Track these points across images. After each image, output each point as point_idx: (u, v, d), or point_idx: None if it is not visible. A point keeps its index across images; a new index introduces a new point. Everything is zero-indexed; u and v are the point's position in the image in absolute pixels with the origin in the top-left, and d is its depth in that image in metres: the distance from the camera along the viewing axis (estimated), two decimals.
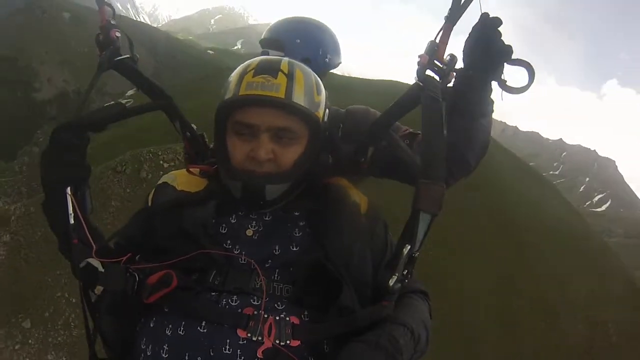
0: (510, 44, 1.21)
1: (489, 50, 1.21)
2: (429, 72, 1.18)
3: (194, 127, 1.46)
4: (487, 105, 1.32)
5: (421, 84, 1.17)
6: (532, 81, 1.19)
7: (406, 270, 1.03)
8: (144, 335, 1.03)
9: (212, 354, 0.94)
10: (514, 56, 1.22)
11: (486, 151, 1.43)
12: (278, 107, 1.10)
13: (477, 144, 1.39)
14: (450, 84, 1.22)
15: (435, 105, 1.11)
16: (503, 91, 1.24)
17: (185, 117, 1.44)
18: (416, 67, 1.19)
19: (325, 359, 0.99)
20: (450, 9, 1.16)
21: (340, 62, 1.84)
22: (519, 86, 1.21)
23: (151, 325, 1.02)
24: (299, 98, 1.12)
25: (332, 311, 1.01)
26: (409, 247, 1.01)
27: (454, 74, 1.21)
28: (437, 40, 1.18)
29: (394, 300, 1.05)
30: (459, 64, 1.22)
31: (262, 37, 1.80)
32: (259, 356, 0.93)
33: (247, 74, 1.13)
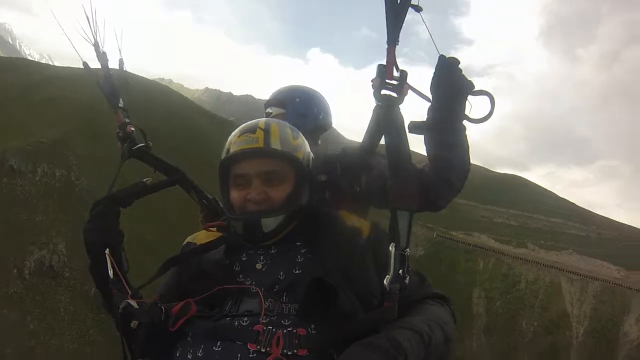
0: (472, 80, 1.34)
1: (452, 87, 1.34)
2: (384, 92, 1.26)
3: (209, 196, 1.69)
4: (459, 133, 1.42)
5: (379, 103, 1.28)
6: (493, 110, 1.31)
7: (401, 270, 1.09)
8: None
9: None
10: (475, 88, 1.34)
11: (469, 170, 1.53)
12: (260, 155, 1.29)
13: (456, 166, 1.49)
14: (407, 96, 1.28)
15: (391, 114, 1.24)
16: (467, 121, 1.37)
17: (199, 187, 1.67)
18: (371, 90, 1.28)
19: None
20: (387, 32, 1.26)
21: (331, 125, 2.10)
22: (481, 116, 1.33)
23: (177, 355, 1.16)
24: (276, 144, 1.30)
25: (332, 315, 1.07)
26: (394, 245, 1.10)
27: (409, 89, 1.29)
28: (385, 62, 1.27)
29: (396, 302, 1.09)
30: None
31: (268, 99, 2.06)
32: None
33: (234, 136, 1.35)
